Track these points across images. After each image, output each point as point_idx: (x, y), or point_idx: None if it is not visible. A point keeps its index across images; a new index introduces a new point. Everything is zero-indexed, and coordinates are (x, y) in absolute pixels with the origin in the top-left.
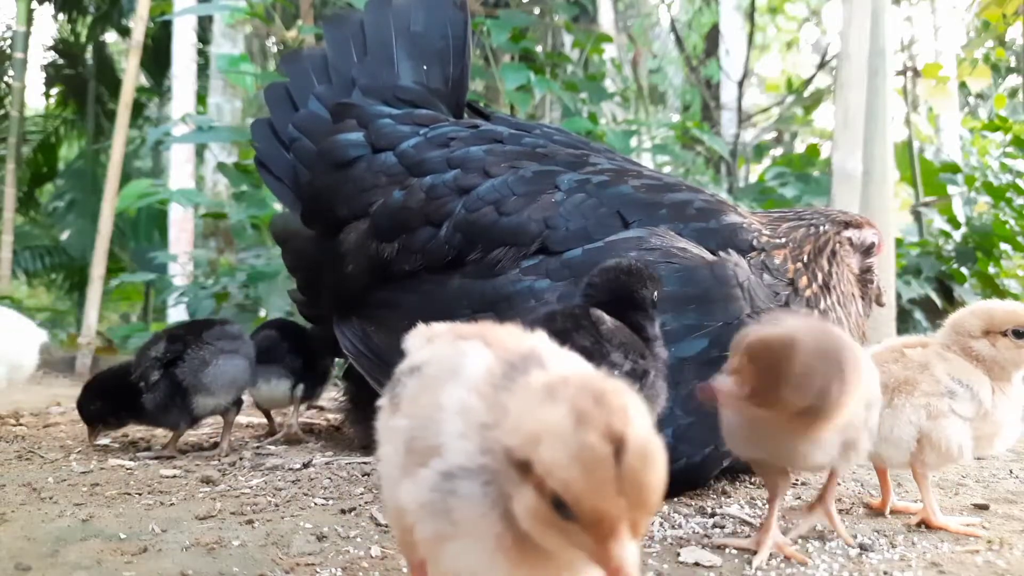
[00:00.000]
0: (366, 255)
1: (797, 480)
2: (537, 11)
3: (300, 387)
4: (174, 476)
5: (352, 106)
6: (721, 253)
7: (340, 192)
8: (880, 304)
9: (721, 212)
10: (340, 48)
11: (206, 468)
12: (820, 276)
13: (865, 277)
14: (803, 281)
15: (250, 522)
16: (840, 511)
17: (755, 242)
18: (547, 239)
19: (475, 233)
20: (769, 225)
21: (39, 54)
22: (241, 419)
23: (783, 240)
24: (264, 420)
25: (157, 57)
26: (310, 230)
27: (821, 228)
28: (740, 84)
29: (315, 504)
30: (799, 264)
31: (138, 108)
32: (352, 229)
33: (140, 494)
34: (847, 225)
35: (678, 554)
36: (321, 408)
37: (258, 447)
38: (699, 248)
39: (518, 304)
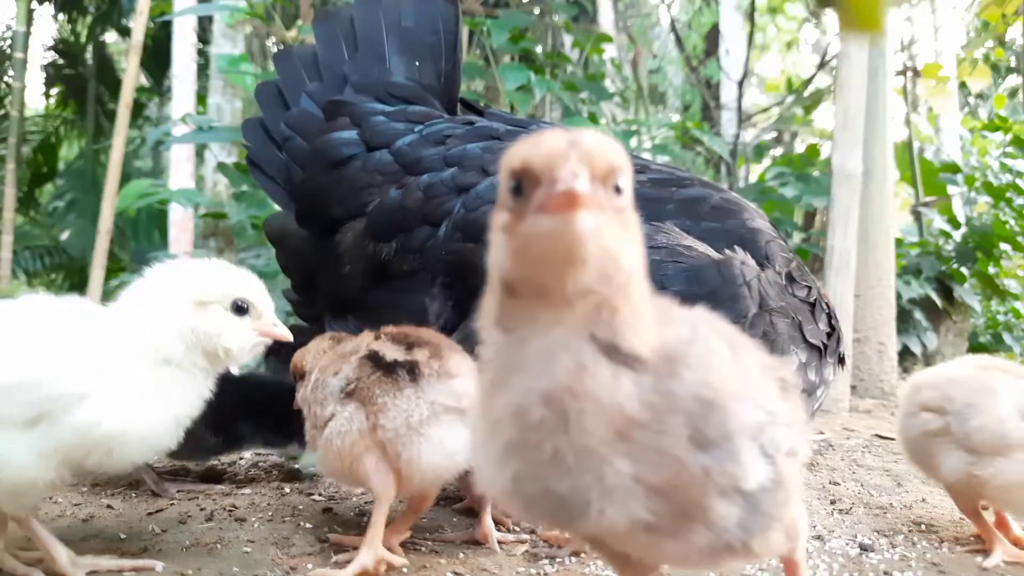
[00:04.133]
0: (363, 255)
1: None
2: (537, 11)
3: None
4: (174, 477)
5: (345, 104)
6: (727, 251)
7: (335, 192)
8: None
9: (741, 212)
10: (331, 45)
11: (207, 468)
12: None
13: None
14: None
15: (250, 522)
16: (840, 511)
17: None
18: None
19: (475, 232)
20: None
21: (39, 54)
22: None
23: None
24: None
25: (157, 57)
26: (305, 230)
27: None
28: (740, 84)
29: (315, 504)
30: None
31: (138, 108)
32: (348, 229)
33: (140, 494)
34: None
35: None
36: None
37: None
38: (705, 246)
39: None
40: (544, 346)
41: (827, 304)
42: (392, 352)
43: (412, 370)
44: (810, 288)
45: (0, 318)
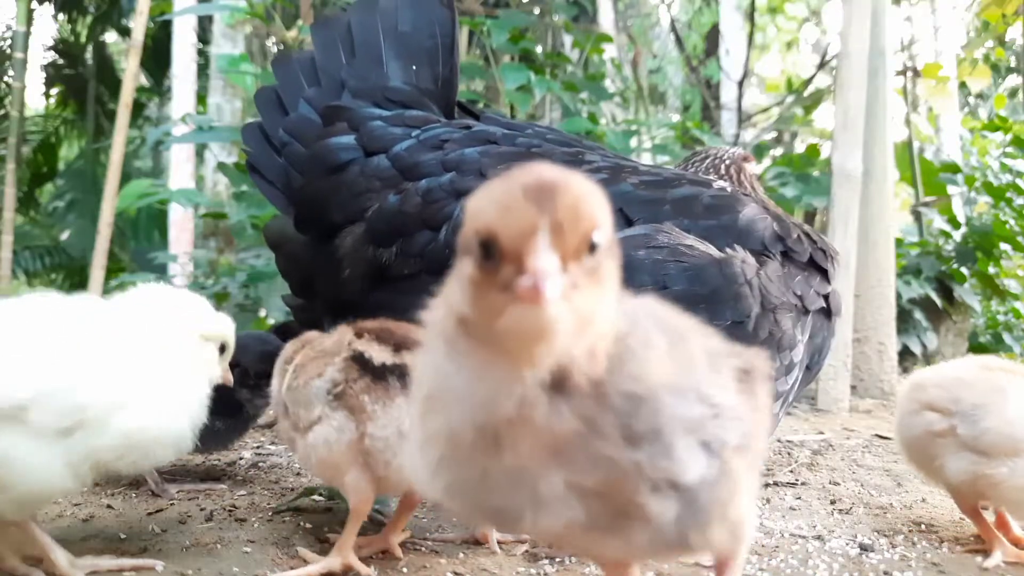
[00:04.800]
0: (363, 260)
1: (797, 481)
2: (537, 11)
3: None
4: (174, 477)
5: (343, 109)
6: (727, 249)
7: (333, 197)
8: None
9: (733, 205)
10: (328, 50)
11: (206, 468)
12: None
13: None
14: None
15: (250, 522)
16: (840, 511)
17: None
18: None
19: None
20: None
21: (39, 54)
22: None
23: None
24: (263, 419)
25: (157, 57)
26: (304, 235)
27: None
28: (740, 84)
29: (315, 504)
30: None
31: (138, 108)
32: (347, 234)
33: (140, 494)
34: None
35: None
36: None
37: (258, 447)
38: (706, 245)
39: None
40: (485, 375)
41: (825, 252)
42: (379, 354)
43: (403, 376)
44: (808, 249)
45: (30, 323)
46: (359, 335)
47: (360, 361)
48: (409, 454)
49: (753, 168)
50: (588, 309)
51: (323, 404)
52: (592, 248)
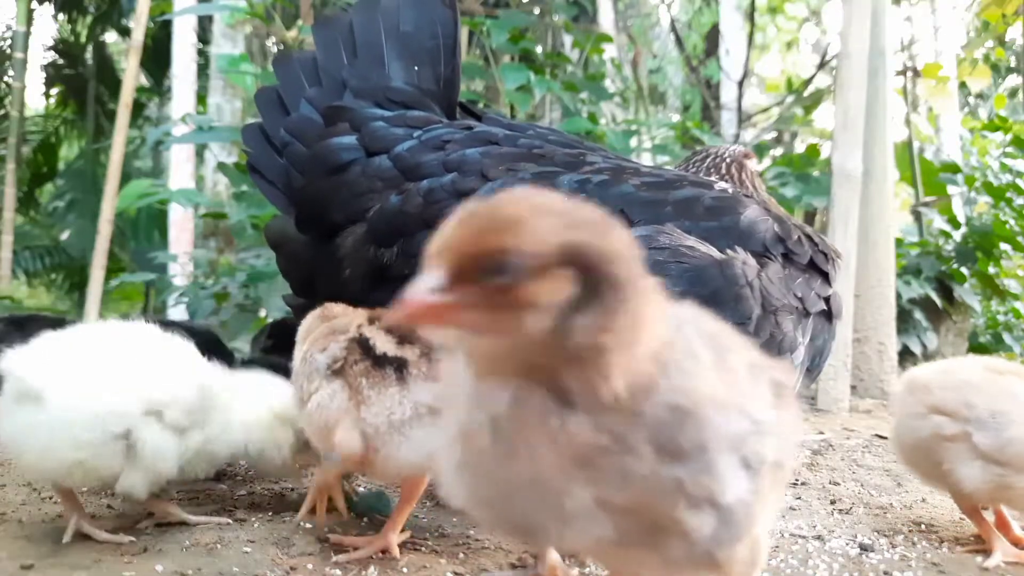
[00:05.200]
0: (364, 260)
1: (797, 480)
2: (537, 11)
3: None
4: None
5: (344, 109)
6: (728, 251)
7: (335, 197)
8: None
9: (734, 207)
10: (330, 50)
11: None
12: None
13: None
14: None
15: (250, 522)
16: (840, 511)
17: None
18: None
19: None
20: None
21: (39, 54)
22: None
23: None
24: None
25: (157, 57)
26: (305, 235)
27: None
28: (740, 84)
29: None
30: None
31: (138, 108)
32: (348, 234)
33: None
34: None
35: None
36: None
37: None
38: (707, 246)
39: None
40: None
41: (826, 255)
42: (382, 343)
43: (400, 368)
44: (809, 251)
45: (165, 344)
46: (371, 321)
47: (364, 345)
48: (437, 460)
49: (754, 166)
50: (488, 323)
51: (321, 377)
52: (499, 271)
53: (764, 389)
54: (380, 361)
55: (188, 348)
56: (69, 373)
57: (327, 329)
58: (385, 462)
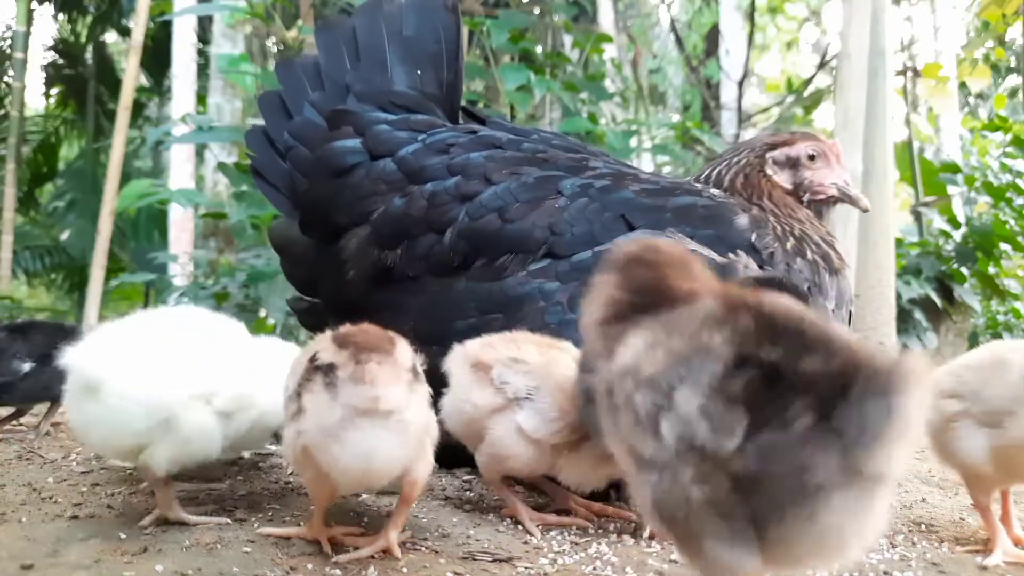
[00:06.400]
0: (367, 261)
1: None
2: (537, 11)
3: None
4: (175, 477)
5: (348, 112)
6: (730, 255)
7: (339, 200)
8: (862, 209)
9: (724, 215)
10: (333, 54)
11: (207, 469)
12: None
13: (800, 190)
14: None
15: (250, 522)
16: None
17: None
18: (553, 245)
19: (480, 240)
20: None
21: (39, 54)
22: None
23: (725, 187)
24: None
25: (157, 57)
26: (308, 238)
27: (742, 159)
28: (740, 84)
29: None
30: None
31: (138, 108)
32: (352, 236)
33: (140, 494)
34: (772, 147)
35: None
36: None
37: None
38: (708, 250)
39: (527, 305)
40: None
41: (829, 270)
42: (326, 354)
43: (328, 372)
44: (808, 261)
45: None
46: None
47: (312, 361)
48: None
49: (779, 156)
50: None
51: (290, 403)
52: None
53: None
54: (317, 370)
55: (240, 331)
56: (124, 365)
57: (301, 357)
58: (329, 468)
